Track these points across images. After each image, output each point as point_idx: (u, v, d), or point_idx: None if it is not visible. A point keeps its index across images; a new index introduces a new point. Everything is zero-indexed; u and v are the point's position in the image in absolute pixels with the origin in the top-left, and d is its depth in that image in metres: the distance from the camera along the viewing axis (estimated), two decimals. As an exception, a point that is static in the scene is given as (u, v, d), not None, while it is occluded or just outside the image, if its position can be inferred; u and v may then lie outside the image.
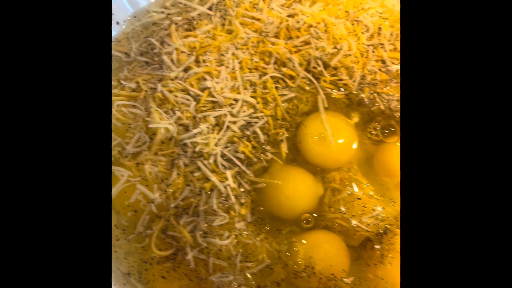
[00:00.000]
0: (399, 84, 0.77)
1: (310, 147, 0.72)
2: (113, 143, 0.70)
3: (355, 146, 0.74)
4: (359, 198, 0.69)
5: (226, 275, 0.63)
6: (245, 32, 0.77)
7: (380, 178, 0.73)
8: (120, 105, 0.72)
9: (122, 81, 0.73)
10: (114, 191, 0.67)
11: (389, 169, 0.72)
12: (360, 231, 0.68)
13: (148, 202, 0.68)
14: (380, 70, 0.77)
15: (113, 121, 0.71)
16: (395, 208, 0.70)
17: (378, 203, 0.70)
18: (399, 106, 0.75)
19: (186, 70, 0.74)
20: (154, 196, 0.67)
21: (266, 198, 0.70)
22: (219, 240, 0.65)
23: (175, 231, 0.67)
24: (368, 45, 0.78)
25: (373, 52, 0.78)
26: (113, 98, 0.72)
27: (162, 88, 0.72)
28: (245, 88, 0.73)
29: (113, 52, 0.77)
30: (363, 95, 0.76)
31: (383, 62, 0.78)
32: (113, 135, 0.70)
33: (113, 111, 0.71)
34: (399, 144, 0.74)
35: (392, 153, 0.72)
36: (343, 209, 0.69)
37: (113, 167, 0.67)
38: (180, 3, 0.80)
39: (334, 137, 0.71)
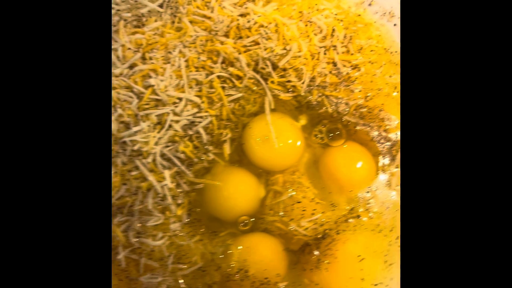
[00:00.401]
0: (348, 88, 0.76)
1: (253, 149, 0.71)
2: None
3: (300, 149, 0.73)
4: (299, 202, 0.68)
5: (156, 276, 0.62)
6: (194, 30, 0.75)
7: (324, 182, 0.72)
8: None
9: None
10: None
11: (332, 173, 0.71)
12: (297, 235, 0.67)
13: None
14: (330, 72, 0.76)
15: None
16: (335, 212, 0.69)
17: (318, 207, 0.69)
18: (348, 109, 0.75)
19: (131, 67, 0.73)
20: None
21: (206, 199, 0.69)
22: (152, 241, 0.64)
23: (110, 230, 0.66)
24: (320, 47, 0.77)
25: (325, 54, 0.77)
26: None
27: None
28: (191, 87, 0.72)
29: None
30: (311, 98, 0.75)
31: (334, 64, 0.77)
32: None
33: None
34: (345, 147, 0.73)
35: (335, 157, 0.72)
36: (282, 212, 0.68)
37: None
38: (131, -1, 0.79)
39: (278, 139, 0.70)
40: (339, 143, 0.73)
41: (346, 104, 0.75)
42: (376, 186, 0.71)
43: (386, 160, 0.72)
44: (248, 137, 0.71)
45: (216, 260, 0.65)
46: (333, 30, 0.78)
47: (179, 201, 0.67)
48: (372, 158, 0.73)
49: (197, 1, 0.78)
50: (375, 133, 0.73)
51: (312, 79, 0.75)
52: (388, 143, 0.73)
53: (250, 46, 0.75)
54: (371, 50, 0.79)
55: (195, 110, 0.71)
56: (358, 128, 0.73)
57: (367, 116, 0.74)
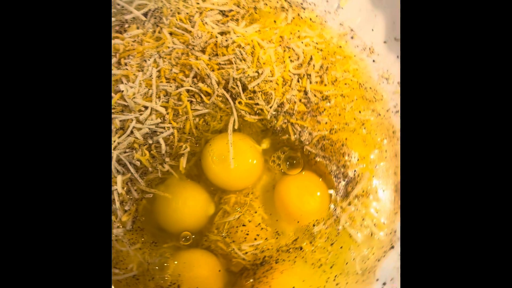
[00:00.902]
0: (315, 118, 0.76)
1: (209, 166, 0.72)
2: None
3: (256, 172, 0.73)
4: (243, 225, 0.69)
5: (89, 278, 0.63)
6: (172, 42, 0.77)
7: (275, 208, 0.72)
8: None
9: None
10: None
11: (283, 200, 0.71)
12: (236, 257, 0.67)
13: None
14: (300, 100, 0.76)
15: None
16: (279, 241, 0.69)
17: (262, 233, 0.69)
18: (311, 140, 0.75)
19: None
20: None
21: (155, 209, 0.70)
22: (93, 242, 0.65)
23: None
24: (294, 74, 0.77)
25: (298, 81, 0.77)
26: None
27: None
28: (158, 97, 0.74)
29: None
30: (276, 123, 0.75)
31: (305, 93, 0.77)
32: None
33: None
34: (301, 176, 0.73)
35: (289, 184, 0.72)
36: (225, 233, 0.68)
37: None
38: (118, 4, 0.81)
39: (235, 159, 0.71)
40: (295, 172, 0.73)
41: (310, 134, 0.75)
42: (324, 220, 0.71)
43: (340, 196, 0.72)
44: (206, 154, 0.72)
45: (151, 270, 0.66)
46: (311, 58, 0.79)
47: (127, 208, 0.68)
48: (327, 192, 0.72)
49: (181, 14, 0.80)
50: (333, 167, 0.73)
51: (281, 104, 0.76)
52: (345, 179, 0.72)
53: (223, 64, 0.76)
54: (345, 84, 0.79)
55: (159, 120, 0.72)
56: (317, 159, 0.73)
57: (328, 149, 0.74)
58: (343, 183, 0.72)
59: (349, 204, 0.71)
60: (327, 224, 0.70)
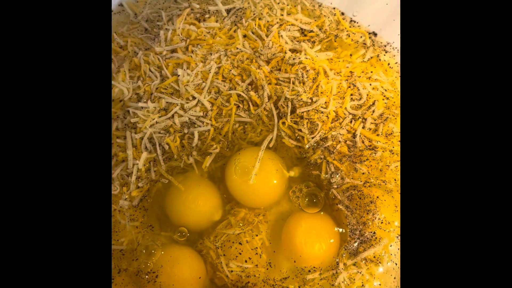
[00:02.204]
0: (354, 164, 0.71)
1: (230, 174, 0.71)
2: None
3: (273, 196, 0.71)
4: (240, 243, 0.67)
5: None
6: (242, 44, 0.77)
7: (280, 239, 0.69)
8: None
9: (115, 34, 0.79)
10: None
11: (288, 233, 0.68)
12: (221, 272, 0.66)
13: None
14: (345, 142, 0.72)
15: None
16: (268, 272, 0.66)
17: (255, 258, 0.66)
18: (340, 185, 0.70)
19: (172, 51, 0.77)
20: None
21: (167, 195, 0.71)
22: (98, 204, 0.68)
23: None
24: (350, 113, 0.73)
25: (350, 122, 0.73)
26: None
27: (142, 55, 0.76)
28: (209, 92, 0.74)
29: (125, 7, 0.83)
30: (312, 155, 0.72)
31: (354, 136, 0.73)
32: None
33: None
34: (316, 216, 0.69)
35: (300, 220, 0.68)
36: (219, 243, 0.67)
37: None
38: (209, -7, 0.83)
39: (258, 177, 0.69)
40: (312, 210, 0.70)
41: (342, 178, 0.71)
42: (322, 270, 0.66)
43: (348, 252, 0.67)
44: (232, 161, 0.71)
45: (138, 251, 0.67)
46: (373, 103, 0.74)
47: (140, 184, 0.70)
48: (336, 243, 0.68)
49: (262, 21, 0.80)
50: (353, 221, 0.68)
51: (324, 139, 0.72)
52: (360, 238, 0.67)
53: (282, 81, 0.75)
54: (399, 141, 0.73)
55: (201, 114, 0.73)
56: (340, 207, 0.69)
57: (355, 201, 0.69)
58: (356, 240, 0.67)
59: (354, 264, 0.66)
60: (323, 275, 0.66)
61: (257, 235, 0.68)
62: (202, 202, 0.70)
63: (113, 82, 0.74)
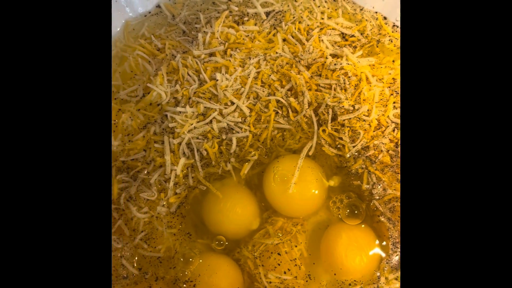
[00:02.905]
0: (397, 175, 0.69)
1: (268, 182, 0.69)
2: (114, 82, 0.75)
3: (311, 205, 0.69)
4: (279, 253, 0.65)
5: (120, 241, 0.65)
6: (282, 48, 0.75)
7: (320, 250, 0.68)
8: (139, 55, 0.77)
9: (153, 37, 0.78)
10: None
11: (328, 245, 0.66)
12: (260, 283, 0.64)
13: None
14: (387, 151, 0.70)
15: (125, 66, 0.76)
16: (307, 284, 0.65)
17: (294, 269, 0.65)
18: (382, 196, 0.68)
19: (211, 54, 0.76)
20: (113, 142, 0.71)
21: (204, 203, 0.70)
22: (136, 211, 0.67)
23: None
24: (393, 122, 0.71)
25: (393, 131, 0.71)
26: (137, 47, 0.77)
27: (180, 59, 0.75)
28: (248, 97, 0.73)
29: (163, 8, 0.82)
30: (353, 164, 0.70)
31: (397, 146, 0.70)
32: (117, 76, 0.76)
33: (130, 58, 0.76)
34: (357, 228, 0.67)
35: (340, 232, 0.66)
36: (257, 253, 0.66)
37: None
38: (248, -5, 0.81)
39: (297, 186, 0.67)
40: (353, 222, 0.68)
41: (384, 190, 0.69)
42: (363, 284, 0.64)
43: (389, 266, 0.65)
44: (271, 169, 0.70)
45: (176, 259, 0.66)
46: (417, 112, 0.72)
47: (178, 191, 0.69)
48: (378, 256, 0.66)
49: (302, 24, 0.78)
50: (395, 234, 0.66)
51: (365, 148, 0.70)
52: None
53: (323, 87, 0.73)
54: (444, 151, 0.70)
55: (239, 119, 0.71)
56: (382, 219, 0.67)
57: (398, 213, 0.67)
58: (398, 254, 0.65)
59: (396, 279, 0.64)
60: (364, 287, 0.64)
61: (296, 246, 0.66)
62: (240, 210, 0.69)
63: (150, 86, 0.73)
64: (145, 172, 0.69)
